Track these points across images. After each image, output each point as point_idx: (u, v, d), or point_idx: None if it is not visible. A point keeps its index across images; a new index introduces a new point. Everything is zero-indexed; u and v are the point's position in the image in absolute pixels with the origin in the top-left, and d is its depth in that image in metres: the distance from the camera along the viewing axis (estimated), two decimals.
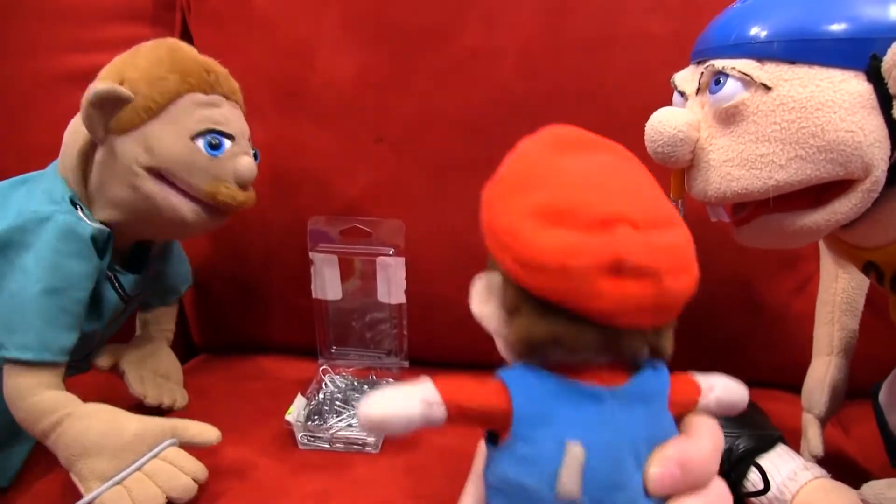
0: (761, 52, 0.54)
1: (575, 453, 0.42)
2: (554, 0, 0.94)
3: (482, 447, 0.51)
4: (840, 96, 0.51)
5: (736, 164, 0.56)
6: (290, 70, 1.01)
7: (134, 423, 0.71)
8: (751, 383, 0.91)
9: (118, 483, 0.68)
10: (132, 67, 0.76)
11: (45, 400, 0.70)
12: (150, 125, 0.74)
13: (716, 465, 0.48)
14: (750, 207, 0.59)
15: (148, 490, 0.68)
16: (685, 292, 0.44)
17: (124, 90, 0.73)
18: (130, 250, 0.86)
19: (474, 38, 0.95)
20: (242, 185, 0.80)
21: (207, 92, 0.78)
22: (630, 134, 0.91)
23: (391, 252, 0.97)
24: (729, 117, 0.56)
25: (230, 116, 0.80)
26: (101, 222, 0.77)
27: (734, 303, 0.97)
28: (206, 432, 0.74)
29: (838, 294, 0.80)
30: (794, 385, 0.85)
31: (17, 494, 0.77)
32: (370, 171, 1.00)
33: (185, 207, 0.77)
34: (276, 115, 1.01)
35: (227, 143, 0.78)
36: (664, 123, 0.58)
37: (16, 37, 1.04)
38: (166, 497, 0.69)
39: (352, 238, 0.99)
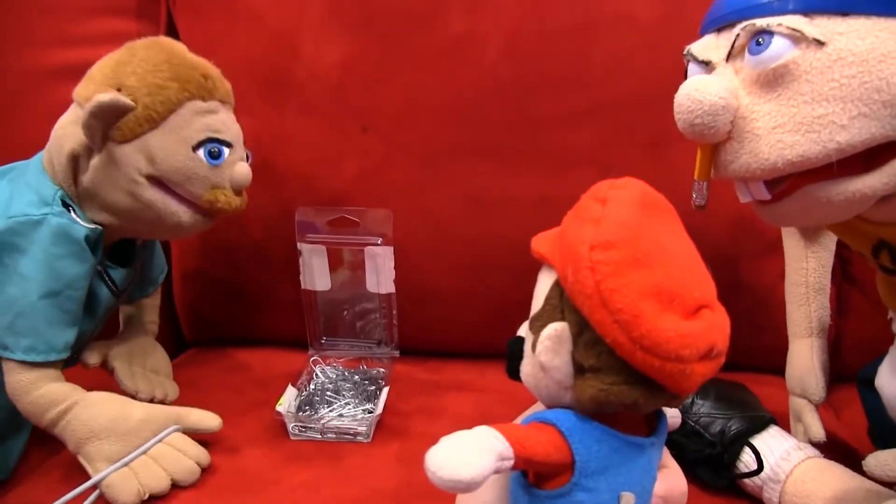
0: (807, 5, 0.50)
1: (628, 501, 0.47)
2: None
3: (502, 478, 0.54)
4: None
5: (788, 130, 0.50)
6: (274, 60, 1.00)
7: (140, 410, 0.76)
8: (737, 367, 0.93)
9: (125, 465, 0.72)
10: (129, 73, 0.75)
11: (51, 391, 0.73)
12: (151, 135, 0.75)
13: (685, 485, 0.53)
14: (790, 178, 0.53)
15: (154, 472, 0.72)
16: None
17: (127, 101, 0.72)
18: (116, 244, 0.85)
19: (459, 25, 0.95)
20: (238, 191, 0.82)
21: (206, 99, 0.79)
22: (615, 117, 0.93)
23: (379, 241, 0.97)
24: (776, 79, 0.51)
25: (227, 122, 0.81)
26: (94, 222, 0.78)
27: (719, 286, 0.96)
28: (206, 419, 0.78)
29: (810, 274, 0.80)
30: (780, 369, 0.85)
31: (15, 486, 0.77)
32: (357, 161, 1.00)
33: (183, 214, 0.79)
34: (261, 105, 1.00)
35: (226, 151, 0.79)
36: (702, 91, 0.52)
37: (1, 31, 1.03)
38: (171, 479, 0.73)
39: (340, 228, 0.99)
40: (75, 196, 0.78)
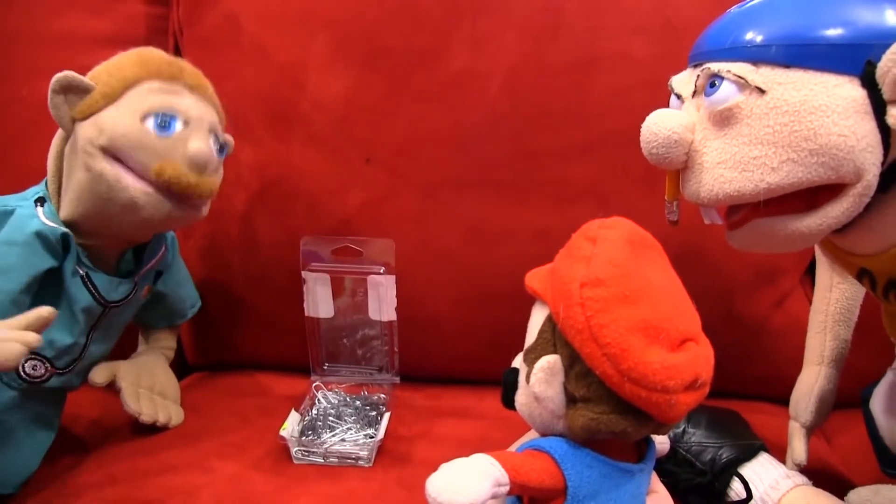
0: (757, 55, 0.55)
1: None
2: (538, 23, 0.96)
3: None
4: (833, 101, 0.52)
5: (729, 167, 0.56)
6: (280, 92, 1.03)
7: None
8: (730, 395, 0.95)
9: None
10: (101, 66, 0.79)
11: None
12: (106, 109, 0.76)
13: None
14: (743, 211, 0.59)
15: None
16: None
17: (82, 77, 0.76)
18: (122, 260, 0.87)
19: (461, 61, 0.97)
20: (196, 169, 0.78)
21: (167, 80, 0.79)
22: (612, 152, 0.95)
23: (382, 270, 0.99)
24: (723, 120, 0.56)
25: (189, 104, 0.80)
26: (67, 220, 0.78)
27: (714, 316, 0.97)
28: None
29: (832, 304, 0.80)
30: (775, 397, 0.86)
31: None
32: (360, 191, 1.02)
33: (134, 189, 0.76)
34: (267, 136, 1.03)
35: (177, 124, 0.78)
36: (659, 125, 0.58)
37: (11, 63, 1.05)
38: None
39: (343, 257, 1.01)
40: (56, 193, 0.79)
